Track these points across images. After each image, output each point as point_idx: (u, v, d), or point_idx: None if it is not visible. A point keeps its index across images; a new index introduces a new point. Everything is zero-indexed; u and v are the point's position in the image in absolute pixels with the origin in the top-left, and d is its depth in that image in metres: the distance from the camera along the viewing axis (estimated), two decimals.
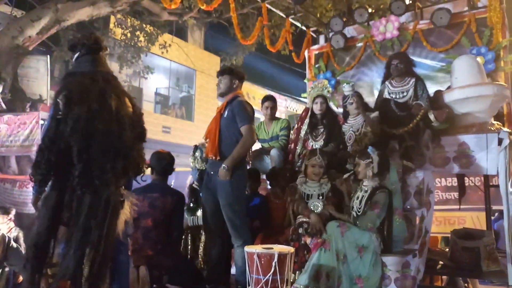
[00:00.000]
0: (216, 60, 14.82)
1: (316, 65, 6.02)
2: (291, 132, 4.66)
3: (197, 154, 4.00)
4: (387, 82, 4.51)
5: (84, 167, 2.46)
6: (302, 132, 4.43)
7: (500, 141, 4.03)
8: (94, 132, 2.50)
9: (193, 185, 4.09)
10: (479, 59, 4.70)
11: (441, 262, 4.40)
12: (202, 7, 5.37)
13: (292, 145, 4.49)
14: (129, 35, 11.78)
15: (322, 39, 6.16)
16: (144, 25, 11.97)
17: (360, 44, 5.74)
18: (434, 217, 5.99)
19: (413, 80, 4.34)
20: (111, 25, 12.13)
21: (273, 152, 4.48)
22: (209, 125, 3.64)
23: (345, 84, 4.55)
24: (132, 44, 12.09)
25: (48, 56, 10.97)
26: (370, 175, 3.53)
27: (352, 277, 3.30)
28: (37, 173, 2.53)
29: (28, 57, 10.91)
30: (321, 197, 3.75)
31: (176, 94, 15.52)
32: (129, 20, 11.88)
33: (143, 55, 12.48)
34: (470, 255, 4.15)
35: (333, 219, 3.50)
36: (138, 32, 11.96)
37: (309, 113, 4.40)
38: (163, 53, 12.77)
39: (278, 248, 2.70)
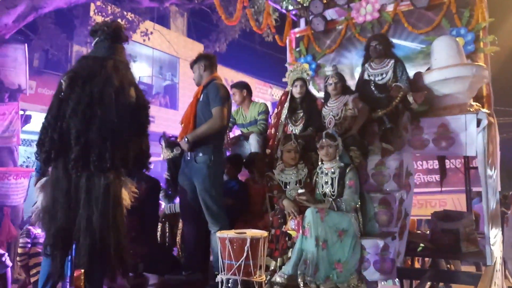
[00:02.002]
0: (199, 47, 14.59)
1: (297, 49, 5.91)
2: (272, 116, 4.57)
3: (163, 144, 3.92)
4: (366, 64, 4.43)
5: (80, 150, 2.39)
6: (282, 117, 4.34)
7: (478, 122, 4.00)
8: (94, 117, 2.44)
9: (164, 175, 3.99)
10: (458, 40, 4.65)
11: (422, 244, 4.40)
12: None
13: (273, 130, 4.40)
14: None
15: (302, 22, 6.04)
16: (125, 12, 11.75)
17: (340, 27, 5.62)
18: (416, 200, 6.00)
19: (392, 61, 4.27)
20: (91, 13, 11.89)
21: (252, 137, 4.39)
22: (186, 110, 3.55)
23: (326, 64, 4.46)
24: None
25: (26, 44, 10.70)
26: (338, 157, 3.52)
27: (332, 262, 3.25)
28: (42, 151, 2.46)
29: (5, 46, 10.61)
30: (298, 183, 3.70)
31: (159, 83, 15.28)
32: (109, 7, 11.66)
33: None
34: (449, 236, 4.16)
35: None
36: (118, 20, 11.73)
37: (289, 96, 4.32)
38: (145, 40, 12.54)
39: (250, 233, 2.62)
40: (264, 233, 2.68)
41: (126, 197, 2.61)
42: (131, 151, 2.55)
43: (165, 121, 13.86)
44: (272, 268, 3.37)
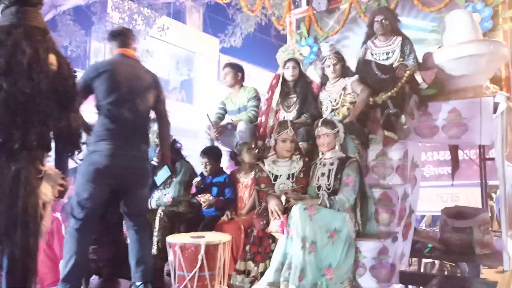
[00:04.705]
0: (215, 42, 14.04)
1: (298, 31, 5.22)
2: (263, 102, 3.93)
3: None
4: (369, 42, 3.71)
5: None
6: (274, 102, 3.70)
7: (496, 107, 3.26)
8: None
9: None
10: (475, 16, 3.88)
11: (430, 245, 3.69)
12: None
13: (263, 117, 3.77)
14: (127, 18, 11.25)
15: (304, 2, 5.33)
16: (142, 8, 11.44)
17: (344, 6, 4.87)
18: (425, 195, 5.24)
19: (400, 39, 3.54)
20: (109, 9, 11.59)
21: (241, 125, 3.75)
22: None
23: (323, 43, 3.77)
24: (130, 27, 11.50)
25: None
26: (338, 146, 2.87)
27: (321, 267, 2.59)
28: None
29: None
30: (291, 177, 3.06)
31: (176, 78, 14.84)
32: (126, 3, 11.35)
33: (142, 38, 11.83)
34: (461, 236, 3.44)
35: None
36: (135, 16, 11.45)
37: (280, 80, 3.67)
38: (162, 36, 12.14)
39: (207, 237, 2.00)
40: (225, 238, 2.05)
41: (48, 191, 2.02)
42: (51, 129, 1.98)
43: (181, 115, 13.44)
44: (254, 274, 2.74)
